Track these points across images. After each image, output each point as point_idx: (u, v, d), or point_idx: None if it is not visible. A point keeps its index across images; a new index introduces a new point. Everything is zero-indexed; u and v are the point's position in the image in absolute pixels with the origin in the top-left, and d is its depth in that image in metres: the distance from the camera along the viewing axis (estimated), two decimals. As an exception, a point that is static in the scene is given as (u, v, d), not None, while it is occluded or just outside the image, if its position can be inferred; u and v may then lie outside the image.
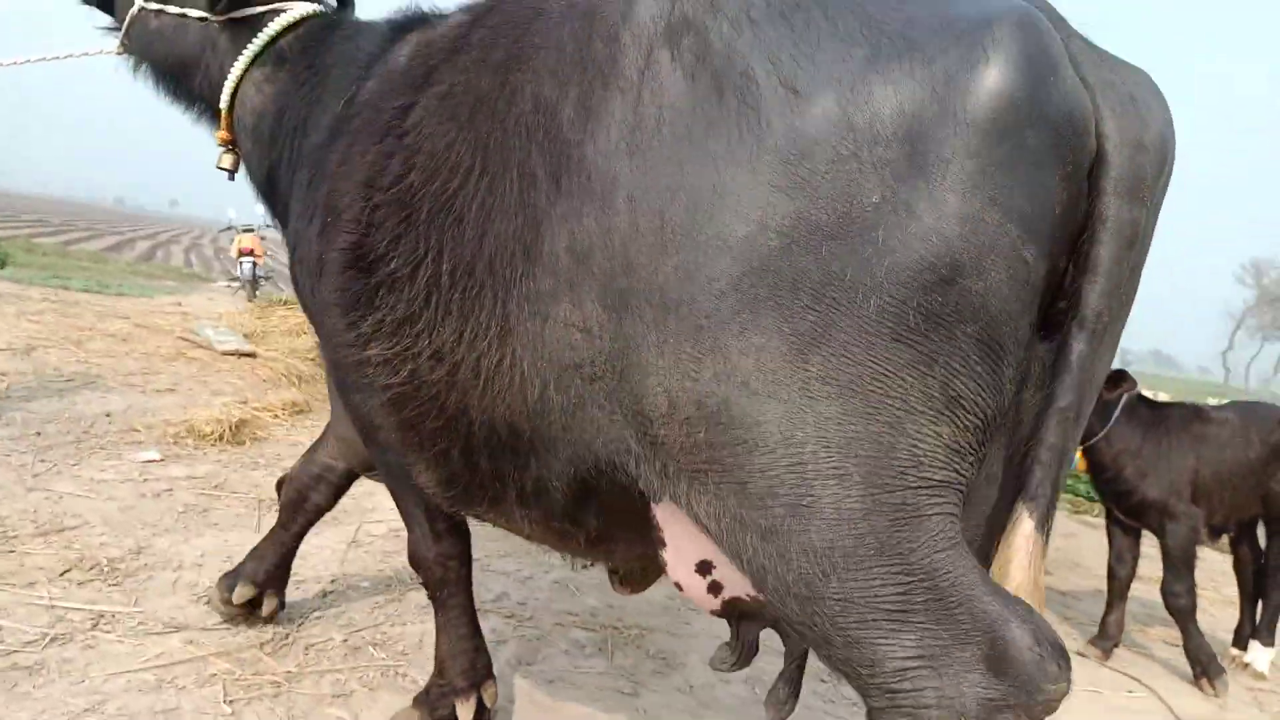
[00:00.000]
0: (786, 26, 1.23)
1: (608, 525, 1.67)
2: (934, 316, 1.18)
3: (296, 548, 3.08)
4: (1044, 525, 1.28)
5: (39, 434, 4.99)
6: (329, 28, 2.50)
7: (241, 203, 17.09)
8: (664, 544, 1.56)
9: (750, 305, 1.22)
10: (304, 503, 2.95)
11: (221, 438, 5.29)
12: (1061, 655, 1.23)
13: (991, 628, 1.20)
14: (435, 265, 1.58)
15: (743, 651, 1.73)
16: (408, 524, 2.38)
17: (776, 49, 1.22)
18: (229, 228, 17.12)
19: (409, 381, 1.68)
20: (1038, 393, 1.32)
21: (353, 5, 2.68)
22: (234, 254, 16.52)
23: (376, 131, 1.81)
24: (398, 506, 2.39)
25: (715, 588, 1.55)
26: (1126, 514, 4.52)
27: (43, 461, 4.55)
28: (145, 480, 4.52)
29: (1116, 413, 4.33)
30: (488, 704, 2.50)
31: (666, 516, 1.52)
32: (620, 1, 1.42)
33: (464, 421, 1.64)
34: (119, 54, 2.73)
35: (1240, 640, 4.89)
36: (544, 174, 1.43)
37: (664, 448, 1.33)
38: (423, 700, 2.51)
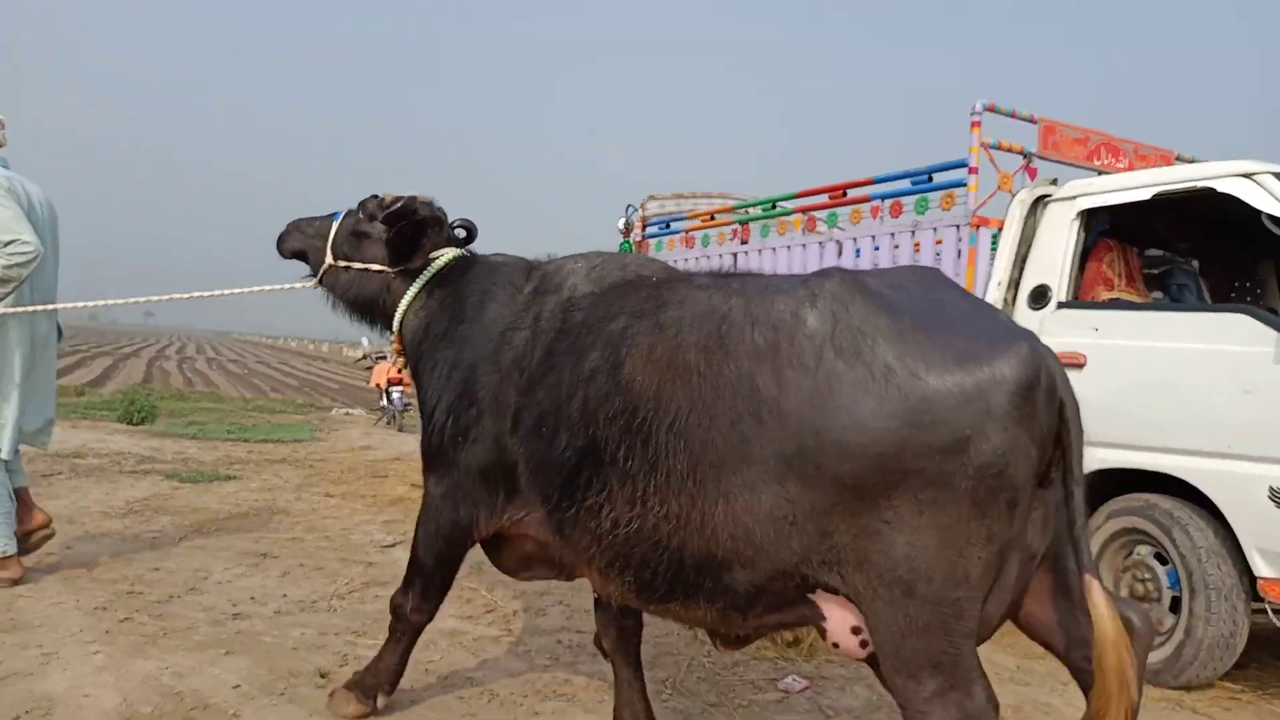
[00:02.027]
0: (902, 343, 2.23)
1: (766, 609, 2.53)
2: (992, 490, 2.16)
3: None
4: (1102, 581, 2.28)
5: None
6: (465, 266, 3.56)
7: (363, 331, 16.43)
8: (825, 619, 2.48)
9: (894, 485, 2.18)
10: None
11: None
12: (995, 702, 2.30)
13: (972, 684, 2.24)
14: (669, 465, 2.48)
15: None
16: (407, 589, 3.39)
17: (901, 353, 2.22)
18: (365, 356, 16.43)
19: (637, 532, 2.56)
20: (1052, 519, 2.41)
21: (475, 238, 3.81)
22: (378, 383, 15.78)
23: (586, 374, 2.73)
24: (409, 573, 3.41)
25: (864, 644, 2.46)
26: None
27: None
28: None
29: None
30: None
31: (825, 603, 2.45)
32: (787, 315, 2.40)
33: (678, 553, 2.52)
34: (315, 288, 3.85)
35: None
36: (748, 415, 2.36)
37: (838, 554, 2.29)
38: (355, 685, 3.44)
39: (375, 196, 3.68)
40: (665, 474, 2.48)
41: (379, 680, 3.45)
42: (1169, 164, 6.03)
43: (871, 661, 2.49)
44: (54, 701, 3.39)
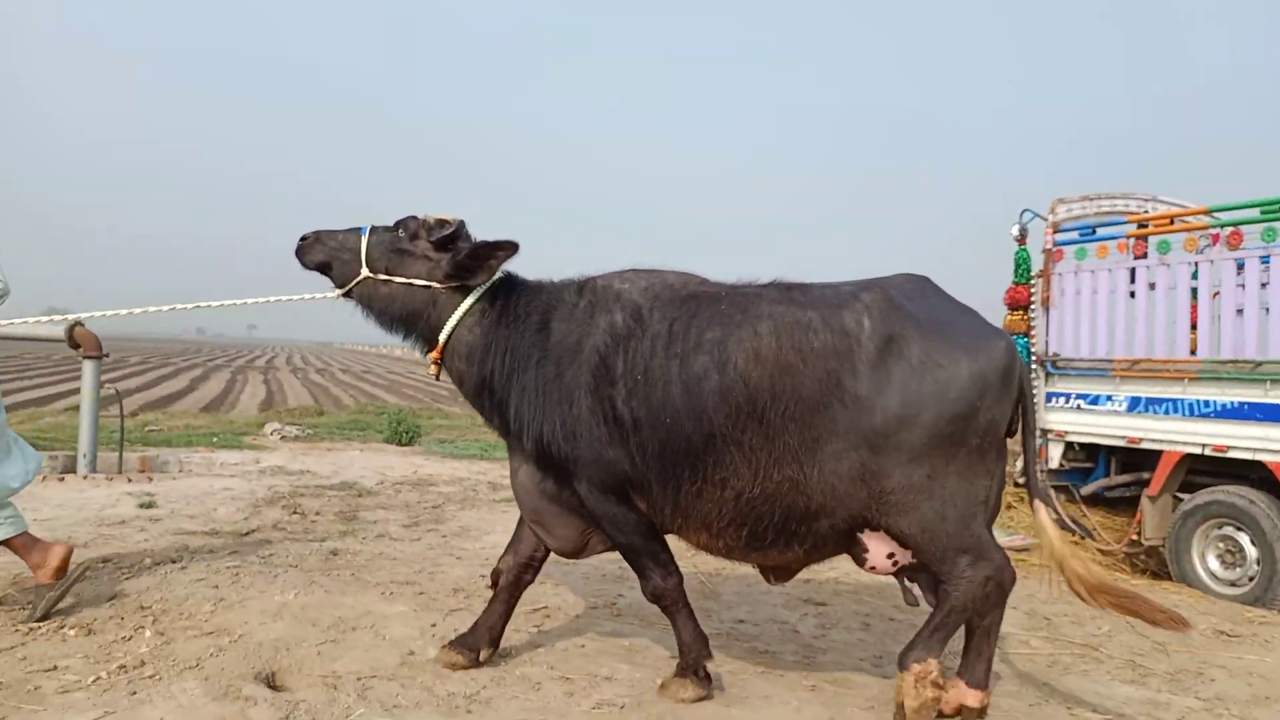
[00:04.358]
0: (926, 342, 3.24)
1: (834, 547, 3.49)
2: (988, 441, 3.27)
3: (510, 615, 4.06)
4: (1048, 505, 3.57)
5: None
6: (509, 286, 3.84)
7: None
8: (866, 550, 3.45)
9: (931, 447, 3.18)
10: (519, 584, 4.03)
11: None
12: (1009, 562, 3.35)
13: (994, 552, 3.29)
14: (785, 440, 3.26)
15: (909, 592, 3.71)
16: (645, 575, 3.72)
17: (925, 349, 3.22)
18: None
19: (756, 497, 3.32)
20: (1009, 457, 3.61)
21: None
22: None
23: (698, 374, 3.37)
24: (635, 566, 3.76)
25: (895, 563, 3.47)
26: None
27: None
28: None
29: None
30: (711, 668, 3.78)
31: (868, 537, 3.41)
32: (853, 324, 3.30)
33: (784, 508, 3.33)
34: (340, 298, 3.94)
35: None
36: (835, 401, 3.24)
37: (888, 502, 3.23)
38: (684, 670, 3.73)
39: (414, 217, 3.86)
40: (780, 450, 3.24)
41: (698, 653, 3.74)
42: None
43: (896, 574, 3.55)
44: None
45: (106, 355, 9.41)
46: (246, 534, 6.46)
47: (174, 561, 5.19)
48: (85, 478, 8.24)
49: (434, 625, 4.35)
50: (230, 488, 8.23)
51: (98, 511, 6.97)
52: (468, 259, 3.72)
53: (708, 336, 3.37)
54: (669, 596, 3.71)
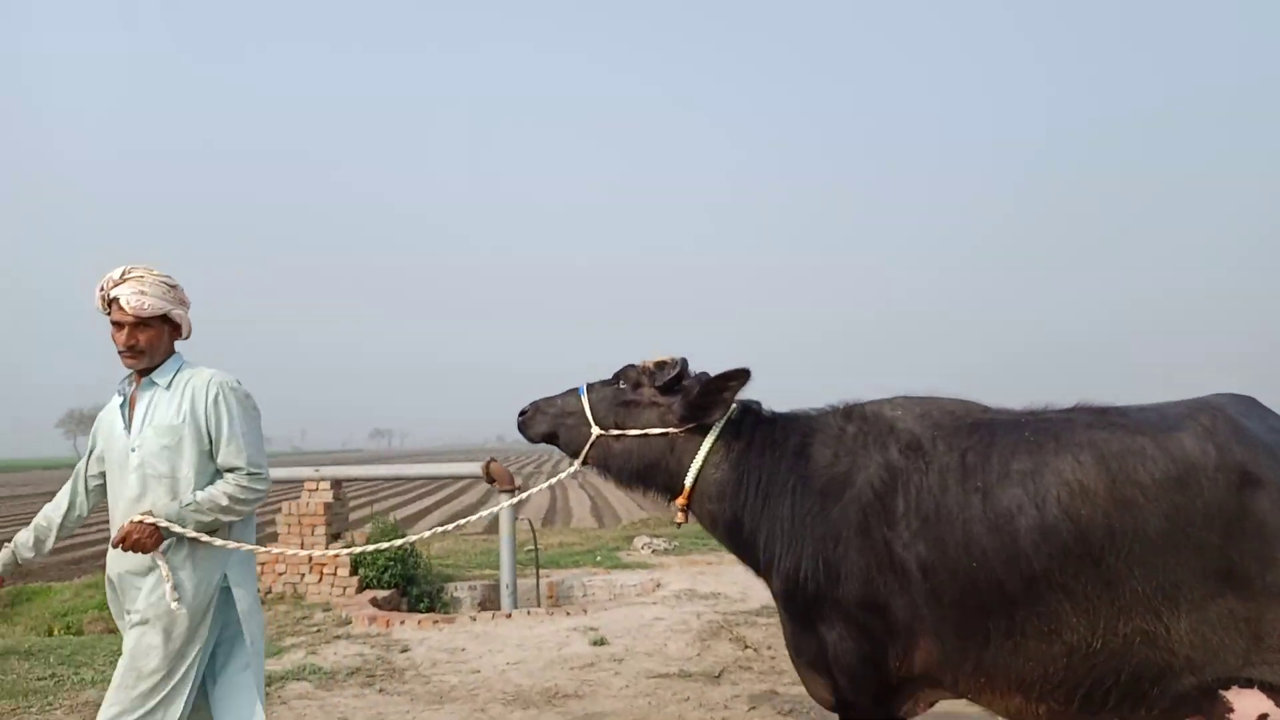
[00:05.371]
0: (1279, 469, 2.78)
1: (1191, 709, 2.83)
2: None
3: None
4: None
5: None
6: (748, 413, 3.58)
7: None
8: (1232, 710, 2.77)
9: None
10: None
11: None
12: None
13: None
14: (1131, 586, 2.76)
15: None
16: None
17: None
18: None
19: (1096, 652, 2.81)
20: None
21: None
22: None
23: (1007, 511, 2.91)
24: None
25: None
26: None
27: None
28: None
29: None
30: None
31: (1235, 695, 2.76)
32: (1196, 451, 2.80)
33: (1134, 666, 2.80)
34: (583, 468, 3.79)
35: None
36: (1185, 541, 2.75)
37: (1267, 652, 2.67)
38: None
39: (633, 366, 3.72)
40: (1127, 598, 2.78)
41: None
42: None
43: None
44: None
45: (520, 488, 9.88)
46: (718, 675, 6.27)
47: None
48: (529, 613, 8.50)
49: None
50: (661, 617, 8.19)
51: (557, 651, 7.09)
52: (700, 397, 3.51)
53: (1015, 468, 2.97)
54: None
